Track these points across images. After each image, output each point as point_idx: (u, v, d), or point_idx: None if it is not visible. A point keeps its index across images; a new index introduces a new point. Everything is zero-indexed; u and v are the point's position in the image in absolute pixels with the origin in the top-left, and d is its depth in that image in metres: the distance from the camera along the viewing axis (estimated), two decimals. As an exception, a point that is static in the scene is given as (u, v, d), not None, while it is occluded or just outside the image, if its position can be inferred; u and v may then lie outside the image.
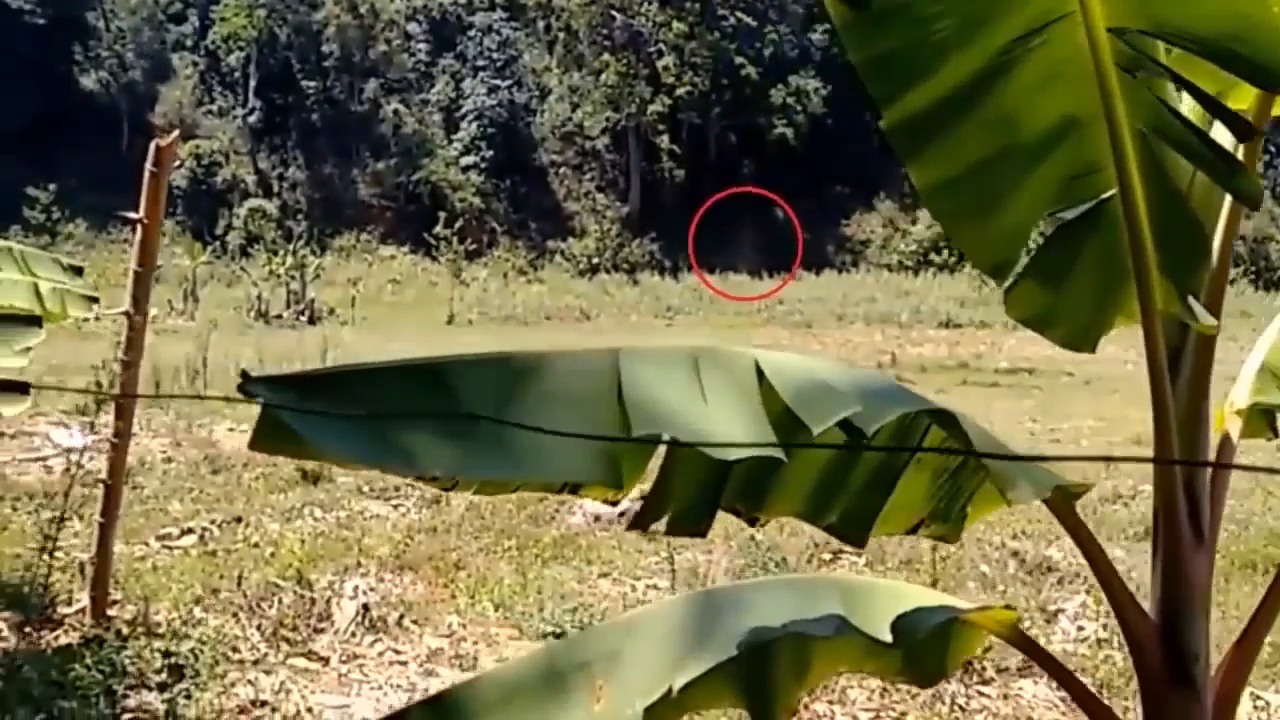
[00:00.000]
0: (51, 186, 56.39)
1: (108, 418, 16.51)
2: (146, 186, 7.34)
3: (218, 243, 55.59)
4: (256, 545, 9.88)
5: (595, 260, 63.14)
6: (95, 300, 6.83)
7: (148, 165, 7.36)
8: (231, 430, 15.41)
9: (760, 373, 1.98)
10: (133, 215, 7.37)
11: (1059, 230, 2.62)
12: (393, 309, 50.93)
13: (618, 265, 62.75)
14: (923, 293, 57.99)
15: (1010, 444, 2.55)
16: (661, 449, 1.91)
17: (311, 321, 44.54)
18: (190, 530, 10.43)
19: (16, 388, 5.81)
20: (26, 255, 6.67)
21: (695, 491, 2.10)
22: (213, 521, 10.77)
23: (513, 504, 11.79)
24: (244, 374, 1.73)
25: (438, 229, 55.54)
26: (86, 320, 7.73)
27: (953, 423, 2.14)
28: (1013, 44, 2.17)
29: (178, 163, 62.27)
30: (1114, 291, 2.66)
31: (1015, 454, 2.24)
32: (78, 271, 6.87)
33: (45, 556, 8.33)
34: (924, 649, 2.46)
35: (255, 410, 1.78)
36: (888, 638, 2.22)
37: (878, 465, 2.31)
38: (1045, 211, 2.54)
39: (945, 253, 64.08)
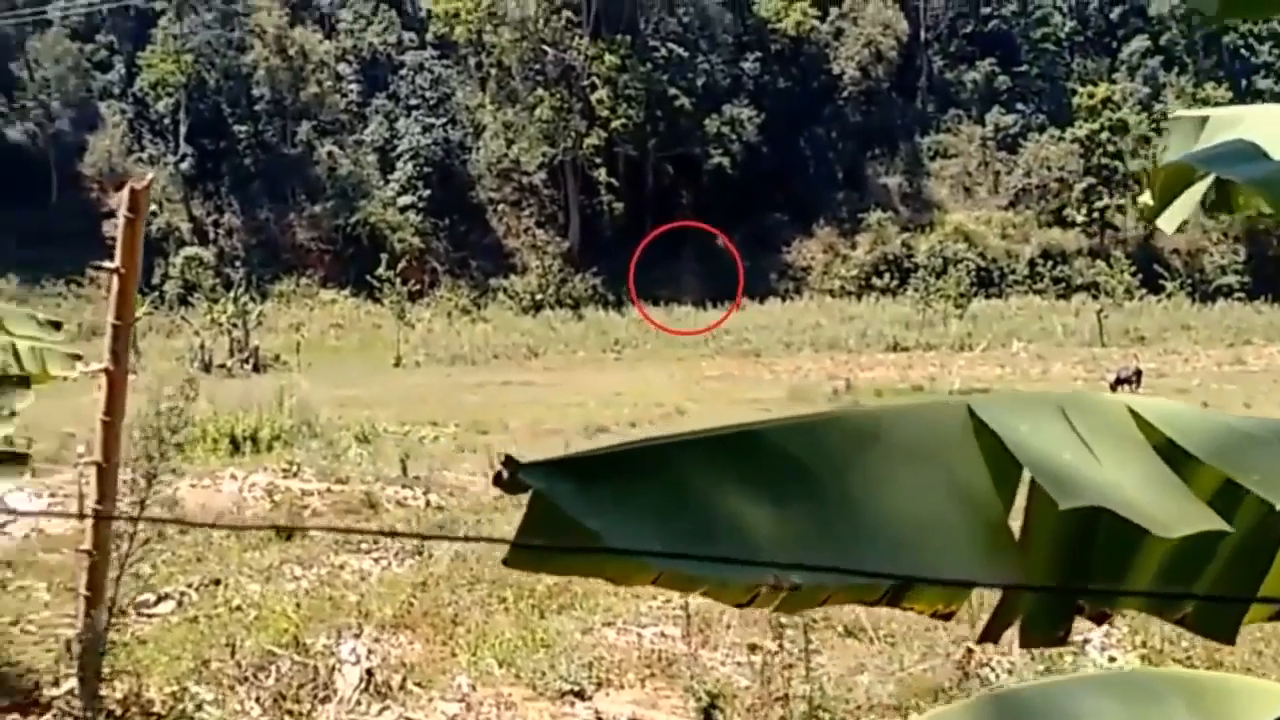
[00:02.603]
0: (-19, 242, 55.26)
1: (60, 478, 15.94)
2: (121, 233, 6.92)
3: (155, 293, 54.56)
4: (239, 609, 9.44)
5: (539, 297, 62.82)
6: (78, 358, 6.41)
7: (121, 211, 6.95)
8: (194, 486, 14.91)
9: (1143, 422, 1.67)
10: (109, 265, 6.94)
11: None
12: (337, 353, 50.29)
13: (561, 301, 62.46)
14: (867, 317, 58.24)
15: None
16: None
17: (256, 369, 43.81)
18: (167, 596, 9.95)
19: (16, 459, 5.41)
20: (1, 312, 6.25)
21: (1052, 581, 1.76)
22: (190, 585, 10.30)
23: (498, 552, 11.42)
24: (508, 459, 1.41)
25: (379, 270, 54.98)
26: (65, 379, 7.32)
27: None
28: None
29: (106, 210, 61.33)
30: None
31: None
32: (56, 326, 6.46)
33: (18, 631, 7.85)
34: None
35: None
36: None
37: (1261, 538, 1.92)
38: None
39: (886, 276, 64.46)
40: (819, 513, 1.54)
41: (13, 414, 5.75)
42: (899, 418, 1.70)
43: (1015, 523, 1.73)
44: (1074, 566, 1.75)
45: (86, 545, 7.32)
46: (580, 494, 1.45)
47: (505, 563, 1.53)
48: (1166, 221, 3.00)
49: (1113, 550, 1.75)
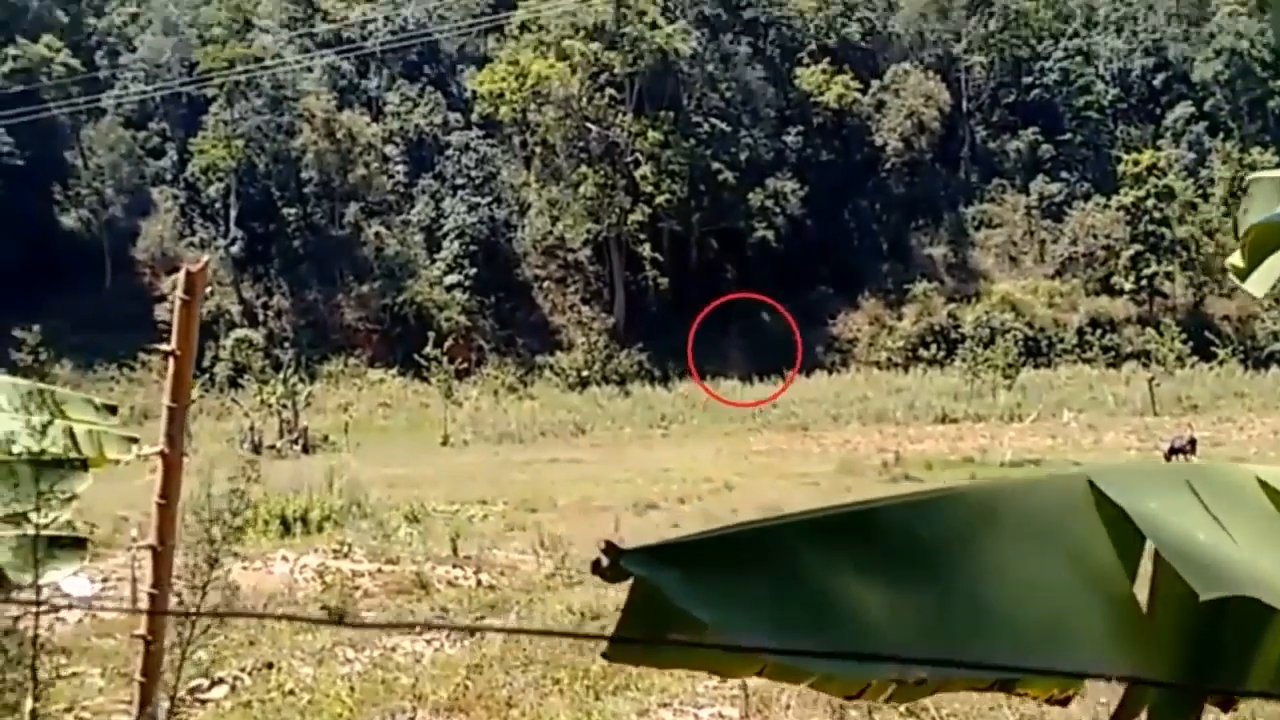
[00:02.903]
0: (36, 327, 55.95)
1: (113, 561, 15.94)
2: (177, 316, 6.88)
3: (206, 375, 55.04)
4: (292, 693, 9.33)
5: (585, 373, 62.85)
6: (134, 441, 6.37)
7: (177, 294, 6.91)
8: (246, 568, 14.85)
9: (1274, 493, 1.57)
10: (164, 348, 6.91)
11: None
12: (385, 433, 50.41)
13: (607, 377, 62.45)
14: (915, 389, 57.79)
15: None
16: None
17: (306, 450, 43.96)
18: (221, 680, 9.86)
19: (76, 544, 5.36)
20: (57, 396, 6.24)
21: (1181, 665, 1.63)
22: (243, 669, 10.21)
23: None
24: (609, 546, 1.32)
25: (426, 349, 55.27)
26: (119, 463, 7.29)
27: None
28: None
29: (159, 295, 62.15)
30: None
31: None
32: (111, 410, 6.43)
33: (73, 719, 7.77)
34: None
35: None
36: None
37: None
38: None
39: (933, 347, 64.15)
40: (937, 597, 1.45)
41: (73, 498, 5.71)
42: (1016, 493, 1.61)
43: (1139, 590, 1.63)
44: (1204, 649, 1.63)
45: (141, 631, 7.24)
46: (686, 582, 1.37)
47: (605, 656, 1.44)
48: (1257, 284, 2.89)
49: (1245, 630, 1.64)
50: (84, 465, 5.79)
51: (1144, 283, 66.81)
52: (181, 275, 7.04)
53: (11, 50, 63.50)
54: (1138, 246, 67.12)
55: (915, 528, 1.50)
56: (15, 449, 5.81)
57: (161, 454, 7.01)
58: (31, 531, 5.76)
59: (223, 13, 67.75)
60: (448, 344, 57.51)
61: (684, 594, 1.34)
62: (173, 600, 13.60)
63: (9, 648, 6.33)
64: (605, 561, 1.35)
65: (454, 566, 15.76)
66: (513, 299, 67.96)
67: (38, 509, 5.61)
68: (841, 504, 1.55)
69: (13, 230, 57.58)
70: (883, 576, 1.45)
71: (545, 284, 69.84)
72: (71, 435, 6.13)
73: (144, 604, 7.38)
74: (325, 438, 47.16)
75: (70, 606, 13.05)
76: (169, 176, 70.07)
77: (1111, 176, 70.07)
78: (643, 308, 66.99)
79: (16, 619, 6.25)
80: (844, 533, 1.48)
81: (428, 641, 11.47)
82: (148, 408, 39.69)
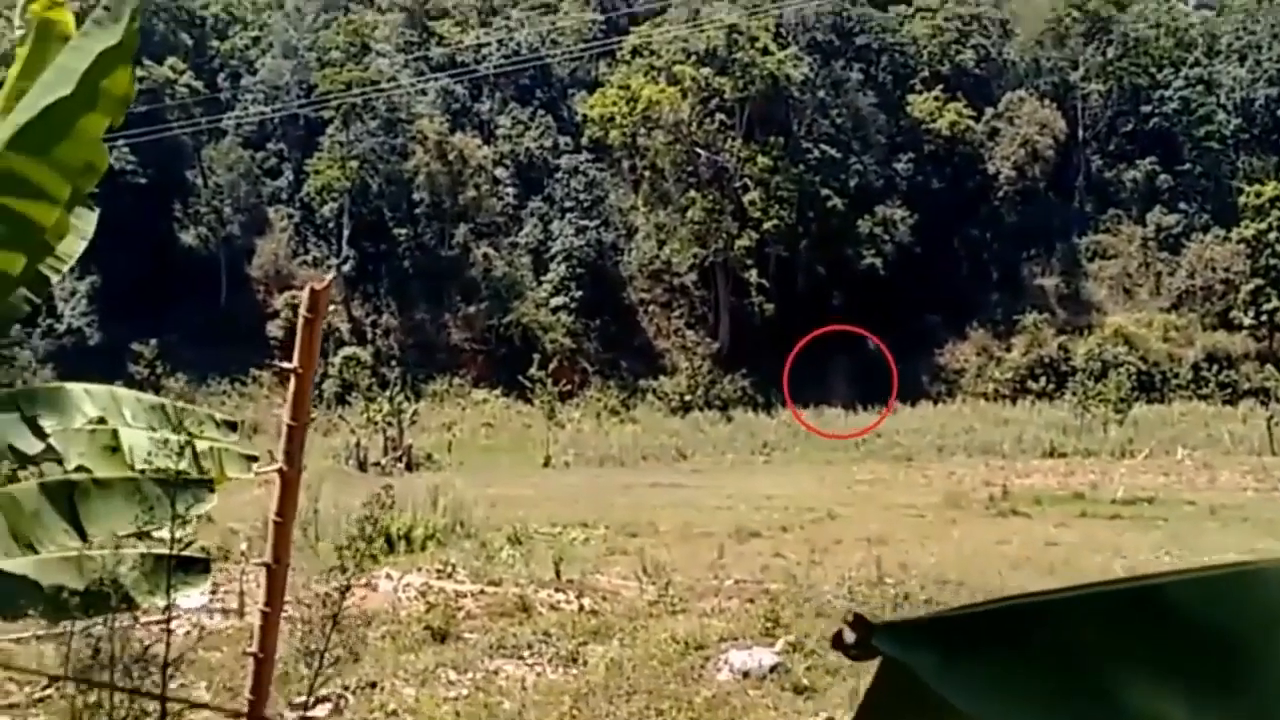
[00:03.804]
0: (153, 341, 57.36)
1: (222, 575, 16.12)
2: (300, 334, 6.87)
3: (315, 391, 55.82)
4: (395, 714, 9.30)
5: (687, 398, 62.71)
6: (254, 459, 6.37)
7: (301, 311, 6.92)
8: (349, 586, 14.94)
9: None
10: (287, 365, 6.90)
11: None
12: (488, 453, 50.70)
13: (710, 402, 62.25)
14: (1023, 421, 56.70)
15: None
16: None
17: (409, 468, 44.38)
18: (325, 698, 9.86)
19: (200, 566, 5.37)
20: (179, 412, 6.28)
21: None
22: (345, 687, 10.21)
23: (656, 660, 11.13)
24: (857, 620, 1.16)
25: (531, 371, 55.60)
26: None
27: None
28: None
29: (272, 311, 63.36)
30: None
31: None
32: (232, 427, 6.45)
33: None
34: None
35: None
36: None
37: None
38: None
39: (1043, 379, 63.00)
40: (1251, 710, 1.22)
41: (206, 518, 5.75)
42: None
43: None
44: None
45: (254, 648, 7.23)
46: (947, 666, 1.18)
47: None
48: None
49: None
50: (210, 485, 5.80)
51: (1264, 318, 64.96)
52: (306, 293, 7.04)
53: (138, 72, 65.00)
54: (1258, 281, 65.31)
55: (1215, 612, 1.26)
56: (140, 464, 5.84)
57: (280, 471, 7.01)
58: (160, 551, 5.78)
59: (341, 37, 68.92)
60: (552, 366, 57.79)
61: (945, 680, 1.16)
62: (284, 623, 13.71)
63: (135, 672, 6.37)
64: (850, 637, 1.18)
65: (556, 590, 15.71)
66: (617, 322, 68.12)
67: (170, 529, 5.63)
68: (1118, 579, 1.33)
69: (134, 246, 59.00)
70: (1183, 677, 1.22)
71: (650, 308, 69.90)
72: (193, 451, 6.15)
73: (256, 620, 7.37)
74: (429, 456, 47.57)
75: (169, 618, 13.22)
76: (285, 196, 71.46)
77: (1232, 208, 68.28)
78: (747, 333, 66.67)
79: (147, 647, 6.28)
80: (1137, 612, 1.25)
81: (530, 666, 11.41)
82: (258, 422, 40.38)
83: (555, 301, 66.54)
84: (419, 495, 23.08)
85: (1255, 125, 73.06)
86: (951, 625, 1.18)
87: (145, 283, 59.46)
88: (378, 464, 44.93)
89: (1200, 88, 73.71)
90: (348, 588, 6.97)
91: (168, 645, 6.29)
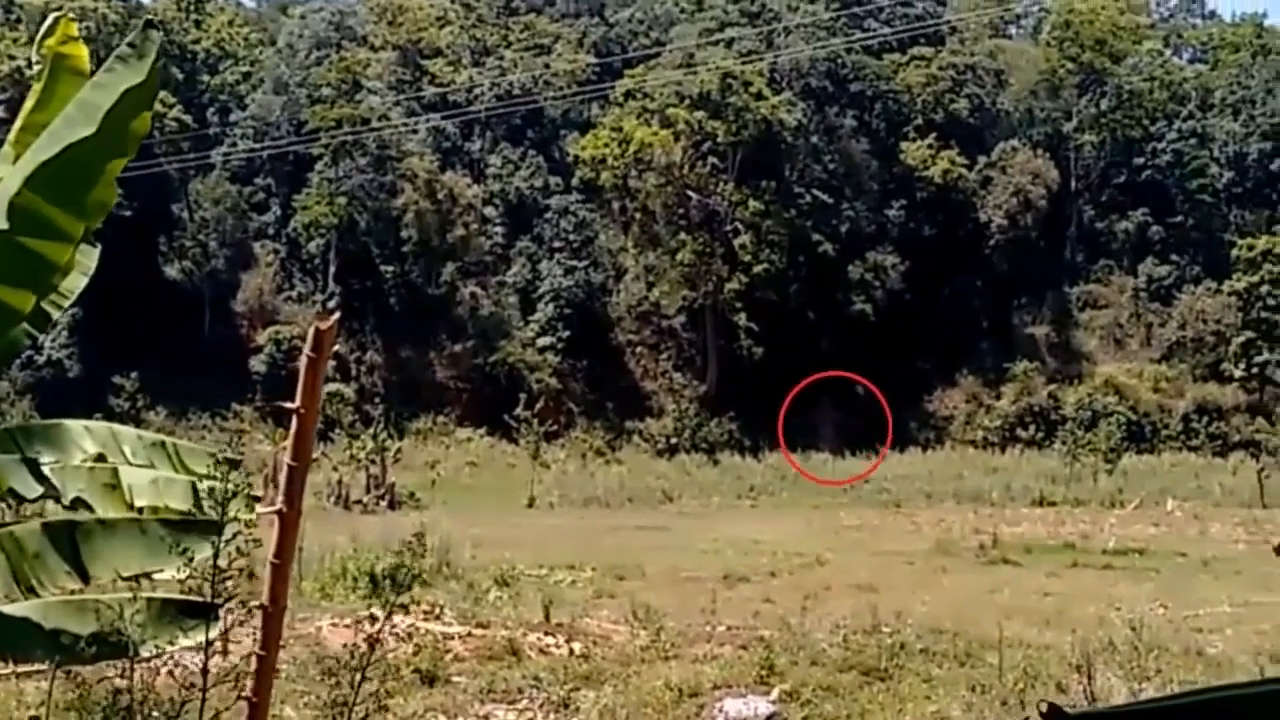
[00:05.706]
0: (134, 374, 56.84)
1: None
2: (303, 373, 6.56)
3: (300, 428, 55.29)
4: (381, 761, 8.89)
5: (674, 440, 62.43)
6: (258, 499, 6.09)
7: (305, 351, 6.60)
8: (335, 625, 14.56)
9: None
10: (289, 405, 6.58)
11: None
12: (471, 492, 50.25)
13: (697, 445, 61.95)
14: (1011, 469, 56.67)
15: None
16: None
17: (392, 506, 43.95)
18: (309, 745, 9.47)
19: (201, 610, 5.13)
20: (180, 449, 6.01)
21: None
22: (330, 733, 9.80)
23: (650, 707, 10.78)
24: (1051, 708, 1.05)
25: (516, 410, 55.28)
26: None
27: None
28: None
29: (255, 346, 62.92)
30: None
31: None
32: (233, 465, 6.15)
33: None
34: None
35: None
36: None
37: None
38: None
39: (1032, 428, 62.90)
40: None
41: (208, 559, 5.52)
42: None
43: None
44: None
45: (248, 692, 6.85)
46: None
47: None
48: None
49: None
50: (215, 527, 5.59)
51: (1255, 370, 65.03)
52: (310, 332, 6.72)
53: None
54: (1249, 333, 65.38)
55: None
56: (140, 503, 5.67)
57: (279, 513, 6.66)
58: (165, 596, 5.64)
59: (333, 74, 68.84)
60: (537, 405, 57.40)
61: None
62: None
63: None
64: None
65: (546, 633, 15.36)
66: (604, 363, 67.85)
67: (178, 572, 5.45)
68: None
69: (117, 279, 58.43)
70: None
71: (638, 349, 69.69)
72: (194, 490, 5.93)
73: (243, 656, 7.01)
74: (411, 494, 47.13)
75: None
76: (271, 231, 71.19)
77: (1224, 261, 68.43)
78: (735, 377, 66.43)
79: (146, 694, 5.97)
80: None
81: (519, 712, 11.05)
82: (239, 458, 39.85)
83: (542, 341, 66.28)
84: (404, 534, 22.68)
85: (1248, 179, 73.41)
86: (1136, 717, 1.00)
87: (128, 316, 58.88)
88: (360, 502, 44.46)
89: (1193, 141, 74.13)
90: (378, 640, 6.65)
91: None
